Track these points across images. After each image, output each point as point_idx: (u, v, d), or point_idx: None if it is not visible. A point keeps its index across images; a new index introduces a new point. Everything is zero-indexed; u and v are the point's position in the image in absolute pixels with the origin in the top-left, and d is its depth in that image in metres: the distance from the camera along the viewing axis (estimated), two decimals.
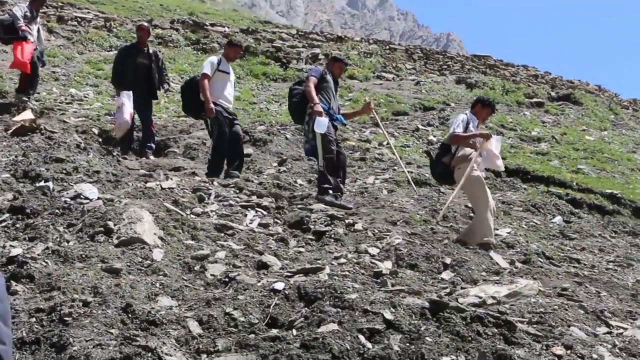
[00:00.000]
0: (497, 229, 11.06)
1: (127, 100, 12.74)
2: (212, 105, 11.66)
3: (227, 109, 12.06)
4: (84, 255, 6.95)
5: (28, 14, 14.68)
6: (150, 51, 13.74)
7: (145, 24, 14.34)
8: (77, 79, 18.87)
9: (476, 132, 10.33)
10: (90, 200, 8.58)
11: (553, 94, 29.31)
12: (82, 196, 8.68)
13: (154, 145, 13.55)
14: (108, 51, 22.76)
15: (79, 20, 24.17)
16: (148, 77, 13.51)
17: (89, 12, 25.31)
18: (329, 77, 11.43)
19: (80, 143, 11.63)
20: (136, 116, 13.35)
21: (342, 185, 11.30)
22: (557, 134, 21.72)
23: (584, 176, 16.50)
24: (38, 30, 14.97)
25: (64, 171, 9.80)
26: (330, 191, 10.80)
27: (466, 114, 10.55)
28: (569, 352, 5.95)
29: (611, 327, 6.94)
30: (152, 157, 13.05)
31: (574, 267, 10.07)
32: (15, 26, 14.29)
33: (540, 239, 11.45)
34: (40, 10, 16.50)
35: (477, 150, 10.07)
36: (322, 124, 10.69)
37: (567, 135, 21.98)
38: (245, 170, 12.84)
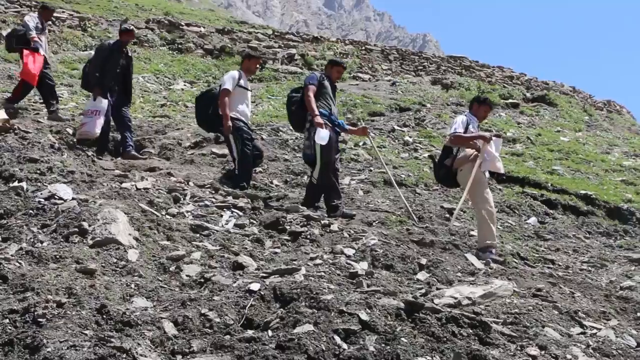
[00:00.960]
0: (473, 230, 11.10)
1: (103, 110, 12.40)
2: (230, 123, 11.28)
3: (246, 123, 11.76)
4: (58, 256, 6.91)
5: (39, 25, 14.65)
6: (129, 53, 13.56)
7: (133, 27, 14.29)
8: None
9: (476, 133, 10.34)
10: (65, 200, 8.52)
11: (528, 95, 29.46)
12: (56, 196, 8.62)
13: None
14: (83, 51, 22.65)
15: (54, 19, 23.99)
16: (126, 79, 13.28)
17: (63, 12, 25.14)
18: (326, 83, 11.25)
19: (55, 143, 11.55)
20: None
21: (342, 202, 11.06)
22: (532, 134, 21.83)
23: (558, 177, 16.59)
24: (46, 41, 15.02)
25: (38, 171, 9.73)
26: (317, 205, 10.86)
27: (465, 114, 10.59)
28: (543, 352, 6.00)
29: (585, 328, 7.00)
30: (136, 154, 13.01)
31: (548, 267, 10.13)
32: (27, 37, 14.30)
33: (515, 239, 11.51)
34: (18, 10, 16.37)
35: (479, 152, 10.06)
36: (323, 136, 10.53)
37: (542, 136, 22.10)
38: (221, 171, 12.80)
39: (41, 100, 15.94)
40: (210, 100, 11.74)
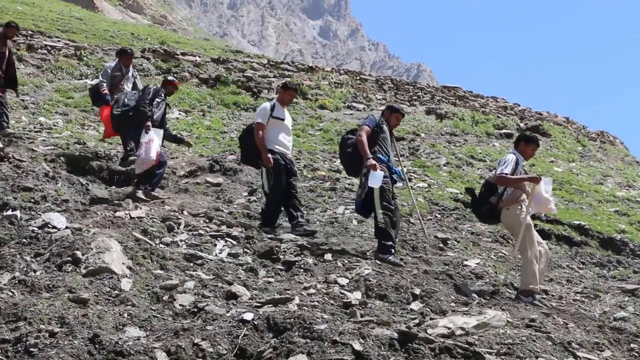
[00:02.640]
0: (466, 260, 11.10)
1: (156, 136, 12.02)
2: (269, 155, 10.94)
3: (284, 155, 11.31)
4: (51, 285, 6.91)
5: (117, 72, 14.51)
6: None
7: (176, 80, 13.98)
8: (47, 107, 18.77)
9: (524, 175, 10.17)
10: (58, 229, 8.53)
11: (522, 125, 29.53)
12: (50, 225, 8.64)
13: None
14: (78, 80, 22.68)
15: (49, 48, 24.06)
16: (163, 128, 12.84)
17: (59, 41, 25.19)
18: (385, 127, 10.79)
19: (49, 172, 11.56)
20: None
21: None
22: (525, 165, 21.82)
23: None
24: (134, 84, 14.69)
25: (32, 200, 9.74)
26: (393, 250, 10.18)
27: (514, 153, 10.25)
28: None
29: (578, 359, 6.99)
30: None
31: (542, 298, 10.12)
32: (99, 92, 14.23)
33: (509, 270, 11.50)
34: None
35: (529, 194, 9.84)
36: (377, 178, 10.05)
37: (536, 167, 22.13)
38: (215, 200, 12.81)
39: (36, 129, 15.96)
40: (251, 136, 11.33)
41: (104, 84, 14.21)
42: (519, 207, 9.79)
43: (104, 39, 28.70)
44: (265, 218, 11.18)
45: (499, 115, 30.57)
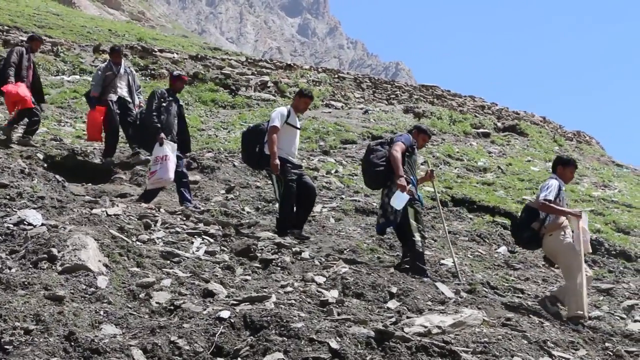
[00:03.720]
0: (443, 259, 11.15)
1: (171, 153, 11.63)
2: (277, 162, 10.58)
3: (294, 163, 11.06)
4: (26, 282, 6.86)
5: (108, 72, 14.39)
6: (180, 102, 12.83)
7: (184, 74, 13.67)
8: None
9: (568, 209, 9.78)
10: (34, 226, 8.47)
11: (499, 124, 29.69)
12: (25, 222, 8.57)
13: None
14: (55, 76, 22.56)
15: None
16: (180, 127, 12.43)
17: None
18: (415, 148, 10.63)
19: (25, 168, 11.48)
20: None
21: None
22: (502, 164, 21.98)
23: None
24: (128, 83, 14.63)
25: (8, 197, 9.67)
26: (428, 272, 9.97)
27: (556, 178, 9.87)
28: None
29: (554, 357, 7.04)
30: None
31: (518, 297, 10.18)
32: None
33: (485, 268, 11.55)
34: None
35: (577, 227, 9.39)
36: (402, 200, 9.84)
37: (513, 166, 22.25)
38: (192, 198, 12.78)
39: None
40: (258, 137, 11.04)
41: (93, 87, 14.25)
42: (562, 233, 9.49)
43: (81, 35, 28.60)
44: (278, 226, 10.93)
45: (477, 114, 30.71)
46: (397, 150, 10.12)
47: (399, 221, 9.97)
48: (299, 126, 11.36)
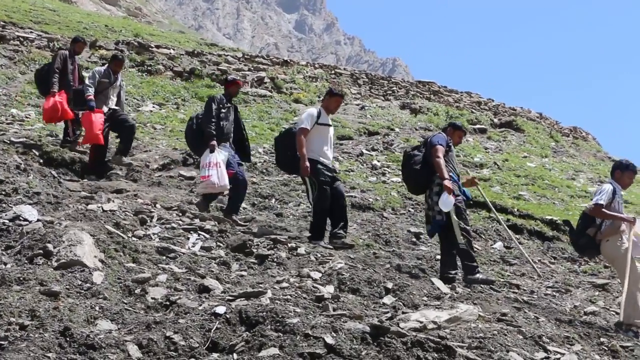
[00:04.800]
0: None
1: (221, 160, 11.25)
2: (307, 164, 10.37)
3: (327, 165, 10.78)
4: (21, 278, 6.86)
5: (105, 79, 13.65)
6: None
7: (239, 78, 12.91)
8: (19, 99, 18.61)
9: (620, 214, 9.46)
10: (30, 222, 8.47)
11: (496, 120, 29.71)
12: (21, 218, 8.57)
13: None
14: None
15: (22, 39, 23.84)
16: (237, 132, 12.01)
17: (31, 32, 24.97)
18: (451, 144, 10.57)
19: (21, 164, 11.47)
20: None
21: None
22: (499, 160, 22.01)
23: (524, 202, 16.72)
24: (119, 94, 14.04)
25: (3, 192, 9.66)
26: (478, 268, 10.06)
27: (611, 182, 9.69)
28: None
29: (549, 352, 7.06)
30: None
31: (513, 292, 10.20)
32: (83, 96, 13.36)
33: (481, 264, 11.55)
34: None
35: (629, 232, 9.31)
36: (449, 203, 9.80)
37: (509, 162, 22.28)
38: (188, 193, 12.78)
39: (7, 121, 15.81)
40: (290, 141, 10.77)
41: (90, 89, 13.39)
42: (619, 239, 9.30)
43: (78, 30, 28.45)
44: (313, 231, 10.65)
45: (473, 110, 30.71)
46: (439, 156, 10.00)
47: (445, 219, 9.91)
48: (330, 125, 11.07)
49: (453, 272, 9.86)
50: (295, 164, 10.64)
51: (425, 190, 10.29)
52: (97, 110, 13.21)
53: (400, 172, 11.05)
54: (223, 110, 11.63)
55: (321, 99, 11.39)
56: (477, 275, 9.84)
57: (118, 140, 14.15)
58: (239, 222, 11.27)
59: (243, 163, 12.15)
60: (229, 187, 11.32)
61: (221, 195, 12.45)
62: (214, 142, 11.29)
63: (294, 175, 13.05)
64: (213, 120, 11.45)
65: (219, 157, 11.21)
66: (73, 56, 14.51)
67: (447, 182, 9.80)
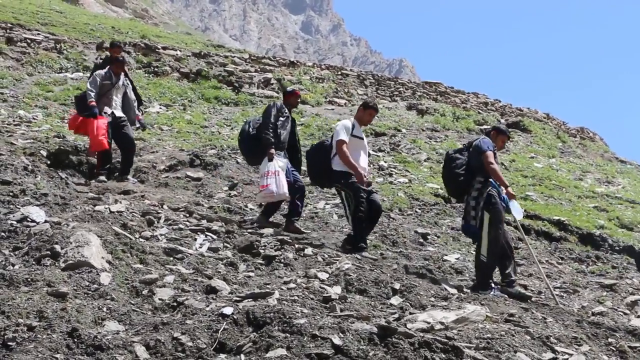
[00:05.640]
0: (446, 255, 11.15)
1: (282, 170, 10.97)
2: (361, 171, 10.25)
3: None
4: (29, 279, 6.86)
5: (106, 81, 13.41)
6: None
7: (295, 88, 12.40)
8: (26, 100, 18.66)
9: None
10: (37, 223, 8.48)
11: (503, 121, 29.66)
12: (28, 219, 8.58)
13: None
14: (58, 73, 22.58)
15: (29, 41, 23.91)
16: (292, 142, 11.70)
17: (39, 34, 25.06)
18: (495, 151, 10.29)
19: (28, 165, 11.48)
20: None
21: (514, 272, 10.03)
22: (506, 160, 21.99)
23: (532, 203, 16.70)
24: (125, 94, 13.78)
25: (11, 193, 9.67)
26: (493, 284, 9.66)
27: None
28: None
29: (557, 353, 7.04)
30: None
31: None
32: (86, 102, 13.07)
33: None
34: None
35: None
36: (520, 209, 9.75)
37: (516, 162, 22.27)
38: (195, 194, 12.78)
39: (15, 122, 15.85)
40: (324, 154, 10.67)
41: (92, 94, 13.13)
42: None
43: (85, 32, 28.57)
44: (353, 244, 10.35)
45: (480, 111, 30.71)
46: (492, 161, 9.82)
47: (478, 224, 9.76)
48: (363, 138, 10.91)
49: (486, 279, 9.67)
50: (328, 177, 10.58)
51: (464, 195, 10.10)
52: (100, 117, 12.97)
53: (441, 174, 10.81)
54: (281, 119, 11.32)
55: (355, 111, 11.11)
56: (490, 291, 9.44)
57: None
58: (300, 229, 11.09)
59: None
60: (288, 195, 11.01)
61: (227, 196, 12.43)
62: (273, 151, 10.99)
63: (301, 176, 12.95)
64: (271, 127, 11.15)
65: (277, 166, 10.92)
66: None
67: (509, 190, 9.73)
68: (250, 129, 11.36)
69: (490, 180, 9.86)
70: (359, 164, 10.42)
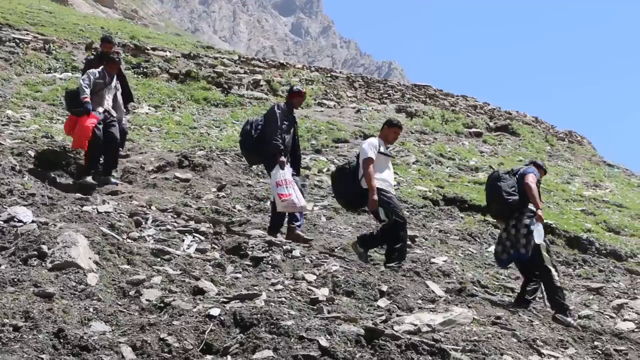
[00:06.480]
0: (434, 257, 11.17)
1: (291, 176, 10.87)
2: (376, 197, 9.95)
3: (393, 194, 10.49)
4: (16, 279, 6.84)
5: (100, 80, 13.13)
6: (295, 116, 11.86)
7: (302, 88, 12.06)
8: (14, 100, 18.59)
9: None
10: (24, 223, 8.45)
11: (491, 124, 29.78)
12: (15, 219, 8.54)
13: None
14: (47, 73, 22.50)
15: (17, 41, 23.81)
16: (294, 144, 11.55)
17: (27, 34, 24.96)
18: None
19: (16, 165, 11.44)
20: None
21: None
22: (494, 163, 22.04)
23: None
24: (115, 97, 13.52)
25: None
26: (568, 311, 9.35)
27: None
28: None
29: (543, 356, 7.08)
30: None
31: (508, 296, 10.22)
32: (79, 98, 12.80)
33: (475, 267, 11.58)
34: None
35: None
36: (542, 233, 9.57)
37: (504, 165, 22.27)
38: (183, 195, 12.77)
39: (3, 123, 15.79)
40: (351, 177, 10.43)
41: (87, 90, 12.85)
42: None
43: (74, 32, 28.48)
44: (398, 258, 10.07)
45: (469, 114, 30.78)
46: (533, 182, 9.77)
47: (530, 254, 9.54)
48: (391, 155, 10.79)
49: (561, 298, 9.42)
50: (359, 197, 10.33)
51: (507, 217, 9.93)
52: (92, 115, 12.68)
53: (486, 192, 10.53)
54: (286, 122, 11.18)
55: (380, 130, 10.98)
56: (568, 318, 9.11)
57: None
58: (302, 237, 10.84)
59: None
60: (306, 207, 10.94)
61: (215, 198, 12.42)
62: (284, 159, 10.89)
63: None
64: (279, 131, 10.97)
65: (287, 174, 10.82)
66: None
67: (539, 212, 9.60)
68: (253, 131, 11.18)
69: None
70: (387, 180, 10.31)
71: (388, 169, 10.52)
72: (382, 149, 10.42)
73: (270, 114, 11.24)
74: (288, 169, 10.87)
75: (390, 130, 10.74)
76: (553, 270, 9.53)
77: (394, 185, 10.78)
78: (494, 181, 10.10)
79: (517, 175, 10.01)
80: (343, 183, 10.56)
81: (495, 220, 11.62)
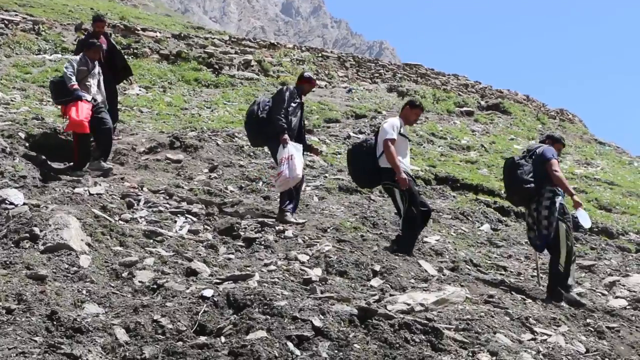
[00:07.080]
0: (426, 237, 11.18)
1: (296, 152, 10.78)
2: (404, 175, 9.73)
3: (412, 177, 10.28)
4: (8, 262, 6.84)
5: (82, 67, 12.67)
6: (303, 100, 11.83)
7: (313, 76, 12.13)
8: (4, 82, 18.48)
9: None
10: (16, 205, 8.42)
11: (483, 103, 29.78)
12: (7, 201, 8.51)
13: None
14: (36, 55, 22.37)
15: (6, 22, 23.65)
16: (300, 128, 11.58)
17: (16, 15, 24.79)
18: None
19: (6, 147, 11.37)
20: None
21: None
22: (486, 142, 22.06)
23: None
24: (98, 83, 13.01)
25: None
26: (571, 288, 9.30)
27: None
28: (494, 358, 6.09)
29: (535, 334, 7.10)
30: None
31: (500, 274, 10.24)
32: (67, 86, 12.29)
33: (468, 246, 11.59)
34: None
35: None
36: (587, 218, 9.49)
37: (496, 144, 22.34)
38: (175, 177, 12.73)
39: None
40: (370, 153, 10.24)
41: (73, 78, 12.38)
42: None
43: (63, 13, 28.33)
44: (403, 246, 9.86)
45: (460, 93, 30.76)
46: (557, 169, 9.52)
47: (552, 235, 9.38)
48: (409, 137, 10.54)
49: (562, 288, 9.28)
50: (375, 177, 10.26)
51: (528, 203, 9.77)
52: (85, 101, 12.18)
53: (504, 181, 10.39)
54: (293, 105, 11.17)
55: (400, 110, 10.86)
56: (570, 295, 9.14)
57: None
58: (293, 220, 10.69)
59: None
60: (300, 176, 10.85)
61: (207, 179, 12.38)
62: (286, 137, 10.83)
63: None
64: (283, 112, 10.99)
65: (291, 150, 10.74)
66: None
67: (577, 197, 9.50)
68: (260, 112, 11.18)
69: (559, 189, 9.57)
70: (405, 163, 10.14)
71: (407, 154, 10.36)
72: (402, 131, 10.23)
73: (278, 95, 11.29)
74: (292, 144, 10.81)
75: (412, 112, 10.58)
76: (563, 257, 9.35)
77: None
78: (512, 171, 9.78)
79: (533, 157, 9.74)
80: (360, 160, 10.41)
81: (492, 201, 11.52)
